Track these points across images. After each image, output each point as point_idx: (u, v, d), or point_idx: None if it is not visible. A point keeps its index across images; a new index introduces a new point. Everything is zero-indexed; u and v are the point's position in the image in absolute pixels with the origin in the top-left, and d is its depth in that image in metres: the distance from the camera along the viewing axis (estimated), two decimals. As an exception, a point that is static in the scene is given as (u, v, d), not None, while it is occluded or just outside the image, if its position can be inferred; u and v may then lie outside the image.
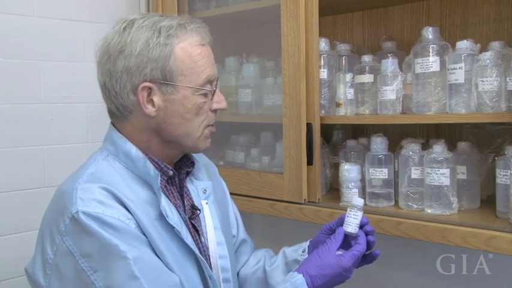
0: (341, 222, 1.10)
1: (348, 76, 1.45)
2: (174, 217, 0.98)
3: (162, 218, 0.96)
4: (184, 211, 1.05)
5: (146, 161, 0.99)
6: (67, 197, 0.92)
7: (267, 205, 1.49)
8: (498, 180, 1.18)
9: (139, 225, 0.93)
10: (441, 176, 1.23)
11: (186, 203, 1.07)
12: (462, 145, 1.32)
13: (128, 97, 0.98)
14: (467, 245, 1.14)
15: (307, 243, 1.18)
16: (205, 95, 1.01)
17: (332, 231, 1.12)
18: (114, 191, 0.93)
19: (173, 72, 0.97)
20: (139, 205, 0.95)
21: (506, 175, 1.16)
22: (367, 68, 1.41)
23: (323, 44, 1.45)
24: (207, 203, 1.11)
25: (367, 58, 1.42)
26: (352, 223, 1.08)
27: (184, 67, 0.97)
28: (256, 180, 1.52)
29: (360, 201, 1.09)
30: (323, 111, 1.44)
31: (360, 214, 1.08)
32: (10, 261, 1.60)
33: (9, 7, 1.59)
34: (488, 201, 1.31)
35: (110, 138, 1.03)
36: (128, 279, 0.88)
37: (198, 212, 1.08)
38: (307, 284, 1.00)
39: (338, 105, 1.43)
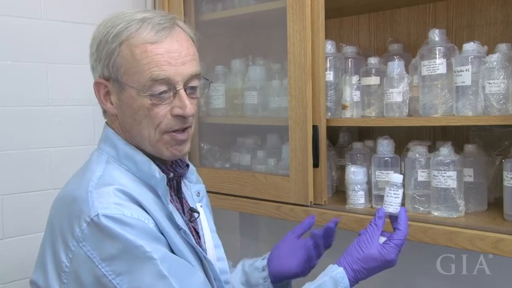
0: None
1: (354, 78, 1.44)
2: (179, 219, 0.97)
3: (169, 220, 0.95)
4: (184, 214, 1.04)
5: (151, 163, 0.96)
6: (82, 202, 0.89)
7: (273, 207, 1.49)
8: (505, 183, 1.17)
9: (157, 225, 0.91)
10: (448, 179, 1.23)
11: (184, 206, 1.06)
12: (469, 147, 1.31)
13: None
14: (474, 247, 1.13)
15: (267, 255, 1.21)
16: (152, 96, 0.93)
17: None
18: (128, 191, 0.91)
19: (117, 69, 0.94)
20: (151, 206, 0.93)
21: (513, 178, 1.15)
22: (373, 70, 1.41)
23: (329, 46, 1.45)
24: (201, 206, 1.10)
25: (373, 60, 1.41)
26: (393, 203, 1.02)
27: (128, 66, 0.93)
28: (262, 183, 1.52)
29: (399, 178, 1.02)
30: (329, 114, 1.44)
31: (400, 192, 1.02)
32: (17, 264, 1.61)
33: (17, 10, 1.60)
34: (496, 204, 1.31)
35: (108, 140, 1.00)
36: (156, 280, 0.86)
37: (197, 215, 1.06)
38: (350, 279, 0.99)
39: (344, 107, 1.43)
